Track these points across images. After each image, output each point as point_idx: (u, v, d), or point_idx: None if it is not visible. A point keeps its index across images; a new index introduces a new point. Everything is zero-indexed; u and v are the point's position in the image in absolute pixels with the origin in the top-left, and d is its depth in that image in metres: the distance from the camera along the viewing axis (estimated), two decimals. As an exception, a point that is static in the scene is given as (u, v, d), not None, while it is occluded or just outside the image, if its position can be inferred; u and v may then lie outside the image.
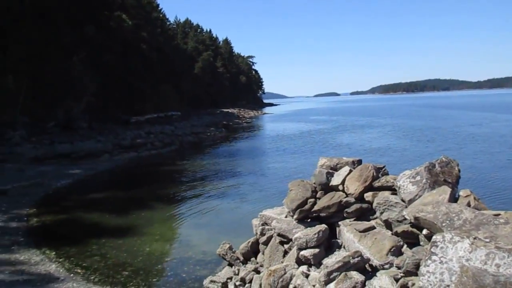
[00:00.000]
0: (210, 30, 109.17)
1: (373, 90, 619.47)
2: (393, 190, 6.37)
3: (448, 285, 3.82)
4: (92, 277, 8.58)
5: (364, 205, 6.54)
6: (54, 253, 10.04)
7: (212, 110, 78.34)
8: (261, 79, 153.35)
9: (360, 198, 6.64)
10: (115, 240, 11.08)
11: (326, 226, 6.52)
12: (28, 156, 24.10)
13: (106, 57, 41.09)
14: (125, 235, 11.50)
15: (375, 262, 5.49)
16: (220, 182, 18.90)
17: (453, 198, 5.54)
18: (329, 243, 6.55)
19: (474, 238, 4.01)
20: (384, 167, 7.24)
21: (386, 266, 5.39)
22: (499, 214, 4.92)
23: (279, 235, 7.20)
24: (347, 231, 6.26)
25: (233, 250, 8.18)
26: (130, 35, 47.31)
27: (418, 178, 5.95)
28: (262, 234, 7.78)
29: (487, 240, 4.06)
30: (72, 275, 8.66)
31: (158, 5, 70.80)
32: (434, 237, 4.23)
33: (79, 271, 8.92)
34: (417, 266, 4.70)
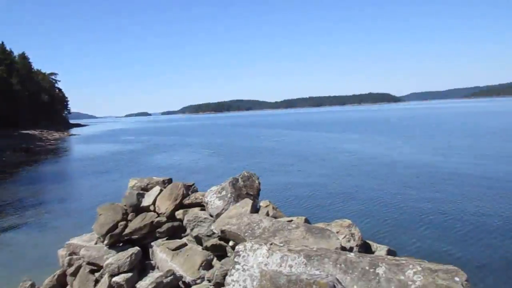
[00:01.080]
0: (2, 43, 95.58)
1: (183, 110, 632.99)
2: (202, 206, 6.70)
3: (251, 290, 4.20)
4: None
5: (176, 223, 6.71)
6: None
7: (9, 132, 69.16)
8: (66, 98, 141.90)
9: (171, 217, 6.79)
10: None
11: (139, 248, 6.48)
12: None
13: None
14: None
15: (188, 278, 5.68)
16: (19, 212, 16.87)
17: (255, 209, 6.11)
18: (142, 266, 6.50)
19: (271, 244, 4.50)
20: (193, 184, 7.56)
21: (198, 281, 5.62)
22: (292, 220, 5.62)
23: (89, 263, 6.83)
24: (160, 251, 6.33)
25: (36, 287, 7.43)
26: None
27: (223, 193, 6.38)
28: (70, 264, 7.28)
29: (282, 244, 4.61)
30: None
31: None
32: (237, 247, 4.60)
33: None
34: (225, 276, 5.02)
